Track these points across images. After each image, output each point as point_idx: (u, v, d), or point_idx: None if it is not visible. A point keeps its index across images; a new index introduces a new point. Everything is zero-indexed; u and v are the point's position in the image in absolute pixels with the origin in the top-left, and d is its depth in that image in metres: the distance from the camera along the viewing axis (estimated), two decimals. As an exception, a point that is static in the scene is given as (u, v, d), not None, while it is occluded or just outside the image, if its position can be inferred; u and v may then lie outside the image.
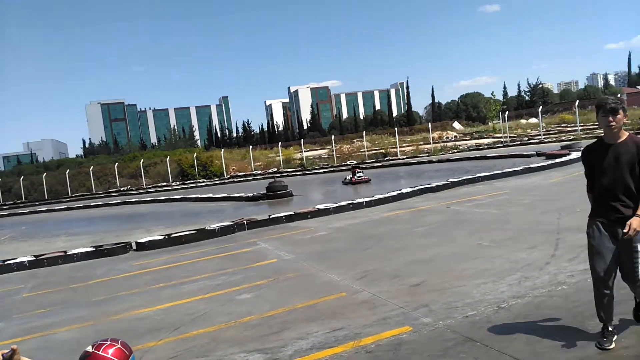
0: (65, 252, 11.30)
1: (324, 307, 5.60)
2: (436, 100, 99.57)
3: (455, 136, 54.17)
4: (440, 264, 6.81)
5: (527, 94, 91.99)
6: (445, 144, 42.21)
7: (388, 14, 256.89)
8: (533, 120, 51.79)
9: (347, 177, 22.56)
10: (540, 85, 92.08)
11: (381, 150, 40.70)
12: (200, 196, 23.79)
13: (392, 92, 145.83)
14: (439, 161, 29.07)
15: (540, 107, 44.05)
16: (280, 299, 6.15)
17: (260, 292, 6.64)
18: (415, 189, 14.63)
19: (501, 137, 38.71)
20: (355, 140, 53.11)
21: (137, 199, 27.87)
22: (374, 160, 36.19)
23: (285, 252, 9.01)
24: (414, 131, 61.82)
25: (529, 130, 44.16)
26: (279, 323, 5.24)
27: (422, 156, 34.64)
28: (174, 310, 6.28)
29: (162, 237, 11.63)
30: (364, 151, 41.12)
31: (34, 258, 11.05)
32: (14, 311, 7.40)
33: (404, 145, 43.22)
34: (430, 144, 40.20)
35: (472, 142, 41.67)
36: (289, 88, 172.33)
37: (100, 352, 2.02)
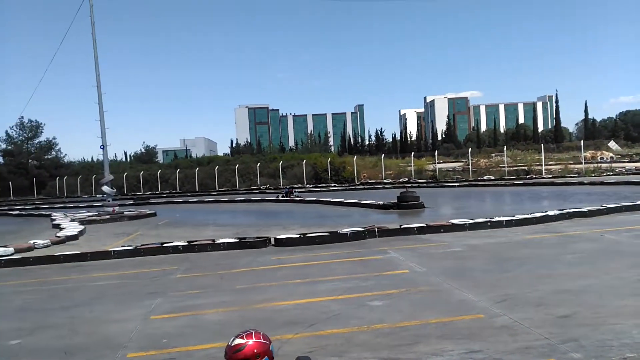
0: (213, 240, 12.42)
1: (459, 327, 5.42)
2: (590, 116, 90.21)
3: (612, 157, 48.65)
4: (593, 297, 6.18)
5: None
6: (599, 165, 38.08)
7: (537, 23, 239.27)
8: None
9: (281, 195, 29.19)
10: None
11: (523, 167, 38.04)
12: (332, 200, 24.50)
13: (539, 106, 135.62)
14: (591, 183, 26.37)
15: None
16: (412, 311, 6.10)
17: (392, 301, 6.64)
18: (564, 212, 13.45)
19: (670, 162, 33.78)
20: (493, 155, 50.42)
21: (275, 198, 29.57)
22: (514, 177, 34.00)
23: (416, 264, 8.89)
24: (562, 149, 56.78)
25: None
26: (412, 335, 5.20)
27: (572, 177, 31.67)
28: (309, 307, 6.56)
29: (298, 236, 12.21)
30: (504, 167, 38.82)
31: (186, 243, 12.31)
32: (170, 289, 8.31)
33: (550, 163, 39.92)
34: (581, 163, 36.57)
35: (632, 165, 37.05)
36: (424, 98, 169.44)
37: (253, 339, 2.38)
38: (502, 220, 12.70)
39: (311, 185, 39.04)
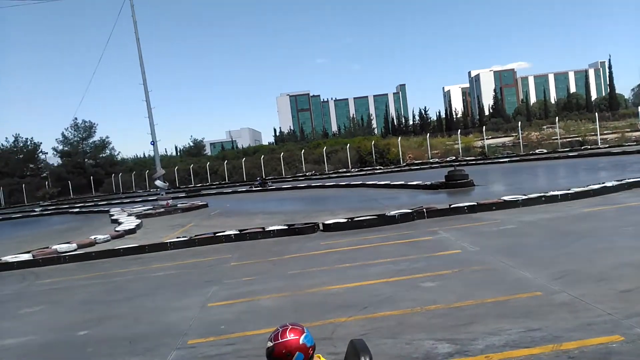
0: (263, 228, 12.64)
1: (516, 305, 5.29)
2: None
3: (675, 122, 45.59)
4: (659, 271, 5.88)
5: None
6: (659, 131, 35.86)
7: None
8: None
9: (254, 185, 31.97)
10: None
11: (577, 138, 36.32)
12: (378, 182, 24.33)
13: (591, 73, 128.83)
14: (653, 151, 24.93)
15: None
16: (466, 291, 6.00)
17: (445, 281, 6.55)
18: (622, 182, 12.81)
19: None
20: (545, 127, 48.35)
21: (320, 184, 29.70)
22: (568, 149, 32.59)
23: (468, 243, 8.72)
24: (618, 117, 53.77)
25: None
26: (468, 315, 5.12)
27: (629, 145, 30.00)
28: (360, 290, 6.58)
29: (345, 220, 12.23)
30: (556, 139, 37.20)
31: (238, 232, 12.59)
32: (225, 277, 8.55)
33: (605, 132, 37.89)
34: (639, 131, 34.56)
35: (698, 130, 34.68)
36: (469, 72, 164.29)
37: (280, 340, 2.44)
38: (557, 195, 12.22)
39: (356, 169, 38.89)
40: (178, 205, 23.69)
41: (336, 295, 6.54)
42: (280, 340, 2.42)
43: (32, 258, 12.33)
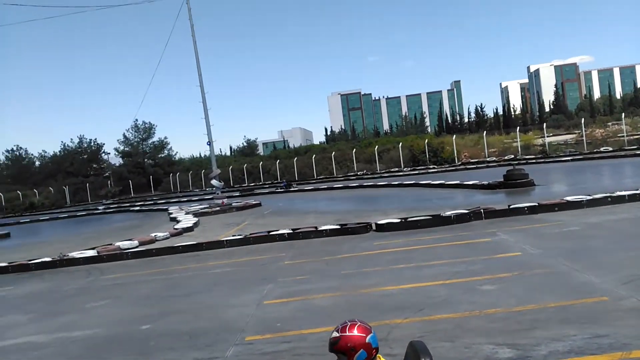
0: (316, 227, 12.73)
1: (581, 310, 5.05)
2: None
3: None
4: None
5: None
6: None
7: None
8: None
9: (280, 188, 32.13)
10: None
11: (646, 135, 34.25)
12: (432, 182, 23.89)
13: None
14: None
15: None
16: (527, 294, 5.79)
17: (504, 285, 6.35)
18: (700, 182, 11.93)
19: None
20: (610, 124, 45.85)
21: (372, 183, 29.54)
22: (635, 147, 30.75)
23: (529, 245, 8.41)
24: (694, 111, 50.14)
25: None
26: (529, 320, 4.94)
27: None
28: (416, 292, 6.49)
29: (399, 221, 12.09)
30: (622, 136, 35.17)
31: (291, 231, 12.74)
32: (279, 275, 8.67)
33: (678, 129, 35.51)
34: None
35: None
36: (528, 67, 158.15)
37: (347, 333, 2.42)
38: (625, 195, 11.57)
39: (408, 169, 38.40)
40: (233, 204, 24.26)
41: (391, 296, 6.49)
42: (348, 334, 2.40)
43: (96, 254, 13.00)
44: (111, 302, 8.31)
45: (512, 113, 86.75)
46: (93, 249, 13.65)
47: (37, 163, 63.76)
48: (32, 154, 64.24)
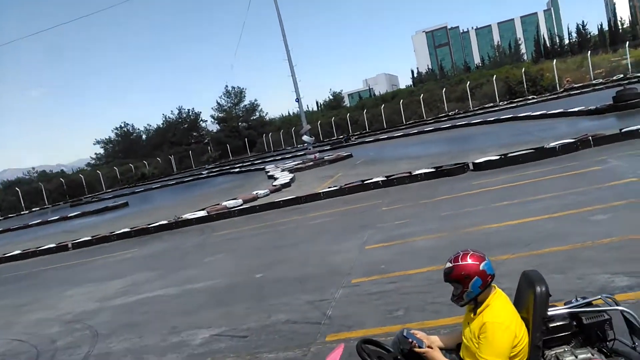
0: (410, 172, 12.63)
1: None
2: None
3: None
4: None
5: None
6: None
7: None
8: None
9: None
10: None
11: None
12: (532, 114, 22.43)
13: None
14: None
15: None
16: (646, 221, 5.39)
17: (618, 213, 5.95)
18: None
19: None
20: None
21: (466, 122, 28.38)
22: None
23: (647, 170, 7.72)
24: None
25: None
26: (649, 248, 4.63)
27: None
28: (522, 227, 6.30)
29: (498, 157, 11.62)
30: None
31: (385, 178, 12.77)
32: (378, 221, 8.81)
33: None
34: None
35: None
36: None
37: (460, 262, 2.44)
38: None
39: (505, 102, 36.22)
40: (325, 157, 24.68)
41: (495, 233, 6.36)
42: (460, 263, 2.43)
43: (206, 214, 14.04)
44: (226, 256, 9.02)
45: (620, 27, 77.45)
46: (203, 209, 14.74)
47: (144, 137, 68.78)
48: (138, 129, 69.40)
